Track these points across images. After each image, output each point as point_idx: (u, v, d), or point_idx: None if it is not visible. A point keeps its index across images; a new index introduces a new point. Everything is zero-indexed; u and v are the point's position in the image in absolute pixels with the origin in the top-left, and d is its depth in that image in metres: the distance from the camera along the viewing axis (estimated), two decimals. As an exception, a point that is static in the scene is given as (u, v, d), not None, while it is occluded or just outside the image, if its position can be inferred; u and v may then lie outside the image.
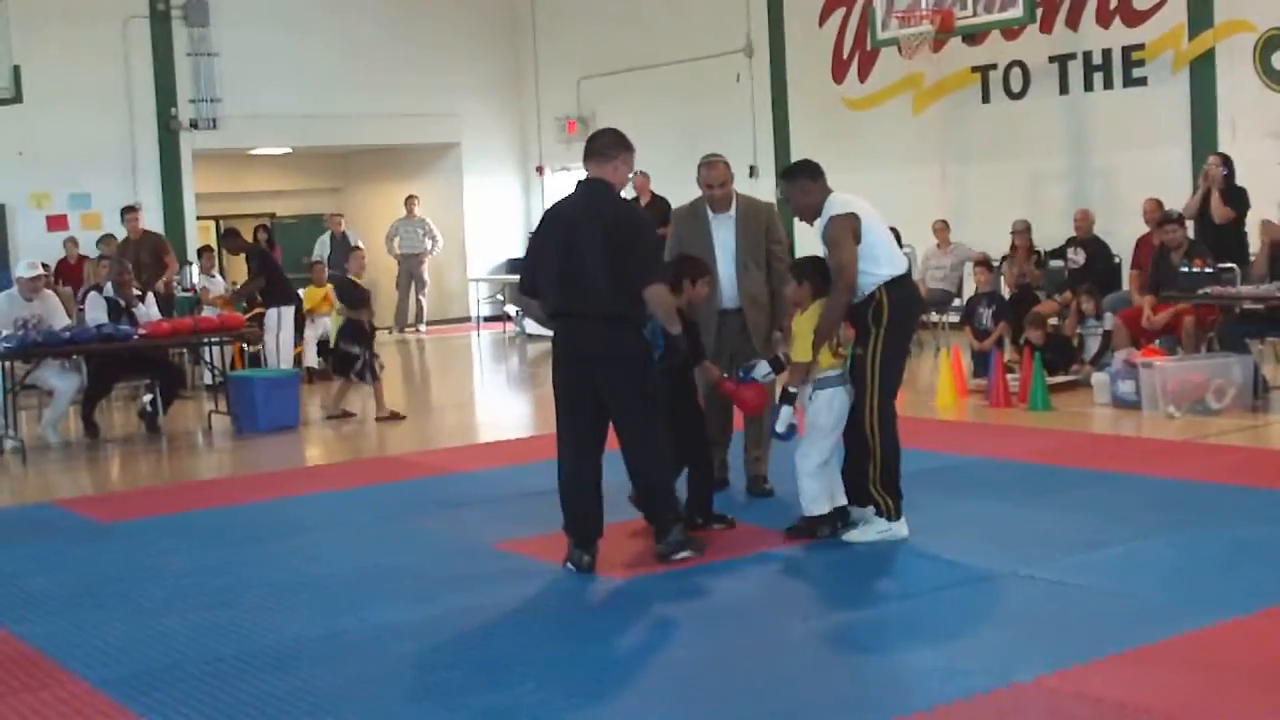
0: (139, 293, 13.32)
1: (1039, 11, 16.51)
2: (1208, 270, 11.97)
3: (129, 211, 17.77)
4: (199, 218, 23.99)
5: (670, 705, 5.36)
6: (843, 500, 7.65)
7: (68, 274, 18.75)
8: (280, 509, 9.48)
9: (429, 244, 23.07)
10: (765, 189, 19.51)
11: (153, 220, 20.71)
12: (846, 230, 7.34)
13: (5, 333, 12.27)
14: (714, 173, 8.69)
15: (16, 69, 17.23)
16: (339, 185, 26.49)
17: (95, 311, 12.94)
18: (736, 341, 8.63)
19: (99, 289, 13.75)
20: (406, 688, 5.69)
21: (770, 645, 6.06)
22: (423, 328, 23.01)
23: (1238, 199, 13.02)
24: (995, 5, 15.65)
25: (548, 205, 23.65)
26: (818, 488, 7.56)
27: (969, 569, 7.00)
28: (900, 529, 7.52)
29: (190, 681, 5.84)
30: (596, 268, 7.17)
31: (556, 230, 7.37)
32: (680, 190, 19.56)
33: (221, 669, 5.98)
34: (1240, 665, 5.41)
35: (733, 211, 8.68)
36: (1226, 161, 13.40)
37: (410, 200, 23.35)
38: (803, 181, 7.66)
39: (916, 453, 9.75)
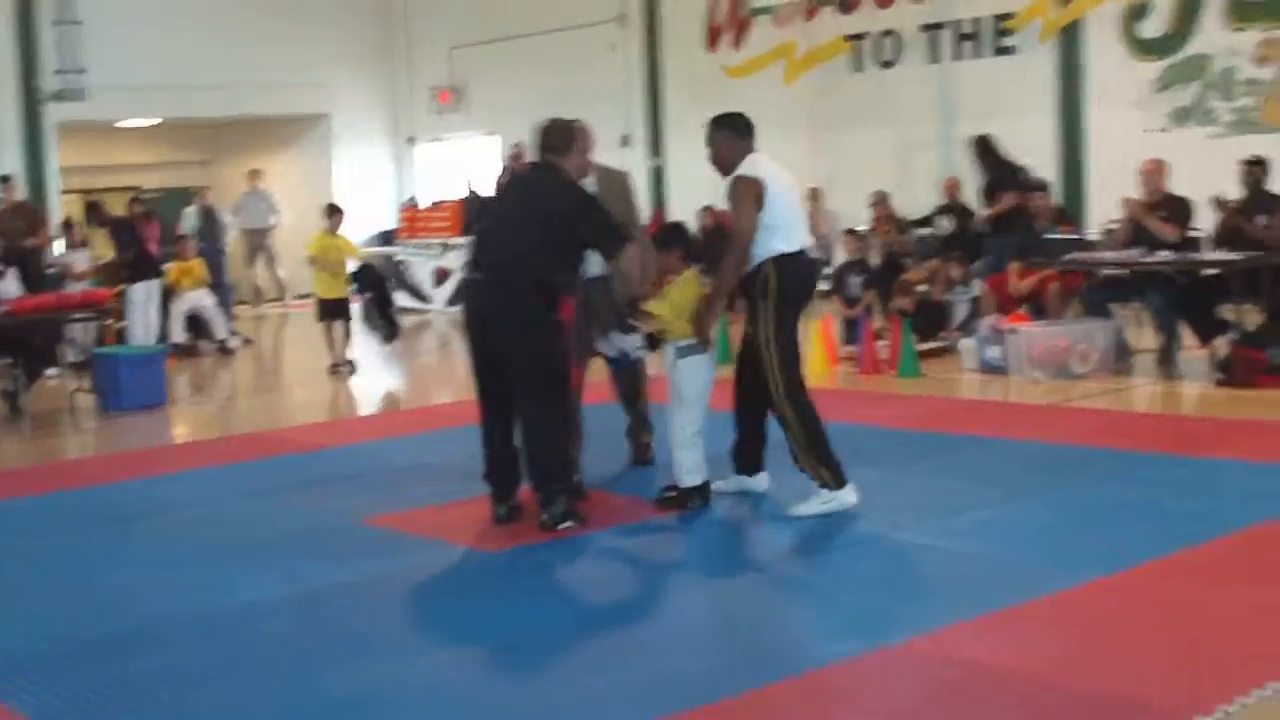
0: (1, 269, 12.97)
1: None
2: (1072, 237, 12.13)
3: (4, 180, 17.34)
4: (65, 191, 23.54)
5: (542, 676, 5.35)
6: (705, 475, 7.62)
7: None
8: (145, 488, 9.27)
9: (272, 218, 22.67)
10: (637, 158, 19.60)
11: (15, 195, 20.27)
12: (748, 193, 7.24)
13: None
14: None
15: None
16: (208, 158, 26.04)
17: (-48, 288, 12.61)
18: (603, 309, 8.43)
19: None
20: (272, 665, 5.59)
21: (640, 614, 6.09)
22: (290, 300, 22.71)
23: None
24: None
25: (418, 177, 23.68)
26: (691, 459, 7.55)
27: (839, 535, 7.06)
28: (846, 496, 7.34)
29: (53, 664, 5.72)
30: (525, 236, 7.34)
31: (499, 194, 7.55)
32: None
33: (85, 650, 5.87)
34: (1103, 624, 5.49)
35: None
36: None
37: (254, 173, 22.92)
38: (726, 133, 7.52)
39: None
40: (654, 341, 7.76)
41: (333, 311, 14.61)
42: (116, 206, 24.33)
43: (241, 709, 5.14)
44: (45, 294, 13.49)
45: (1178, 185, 11.82)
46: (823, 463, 7.35)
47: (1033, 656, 5.17)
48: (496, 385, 7.53)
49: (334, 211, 15.11)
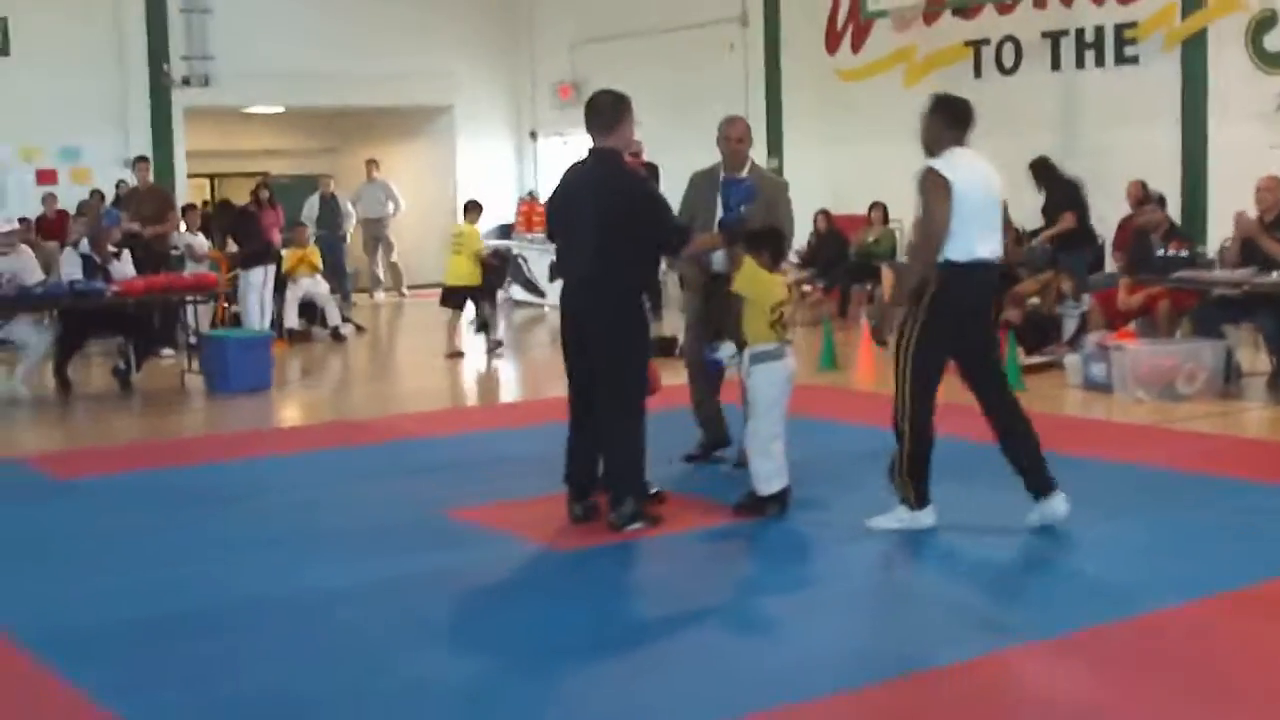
0: (115, 250, 13.24)
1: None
2: (1183, 254, 11.89)
3: (140, 161, 17.73)
4: (192, 175, 23.99)
5: (573, 680, 5.33)
6: (786, 480, 7.55)
7: (48, 229, 18.70)
8: (239, 471, 9.43)
9: (390, 207, 22.85)
10: (755, 158, 19.42)
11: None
12: (934, 187, 6.92)
13: (-22, 286, 12.26)
14: (734, 128, 8.81)
15: (4, 21, 17.13)
16: (333, 145, 26.35)
17: (70, 268, 12.88)
18: (724, 307, 8.31)
19: (77, 244, 13.71)
20: (336, 653, 5.66)
21: (700, 620, 6.04)
22: (406, 291, 22.91)
23: None
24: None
25: (541, 170, 23.77)
26: (769, 466, 7.50)
27: (920, 549, 6.98)
28: (923, 518, 7.15)
29: (117, 640, 5.85)
30: (591, 238, 7.39)
31: (565, 197, 7.62)
32: (671, 156, 19.62)
33: (153, 629, 5.99)
34: (1180, 652, 5.39)
35: (745, 176, 8.60)
36: None
37: (371, 163, 23.16)
38: (937, 117, 7.31)
39: (872, 430, 9.73)
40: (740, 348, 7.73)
41: (460, 298, 15.05)
42: (242, 191, 24.92)
43: (290, 693, 5.21)
44: (156, 276, 13.68)
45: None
46: (912, 483, 7.18)
47: (1080, 688, 5.06)
48: (584, 389, 7.60)
49: (472, 207, 15.61)
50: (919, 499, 7.18)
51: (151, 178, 17.77)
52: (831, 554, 7.07)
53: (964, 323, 7.16)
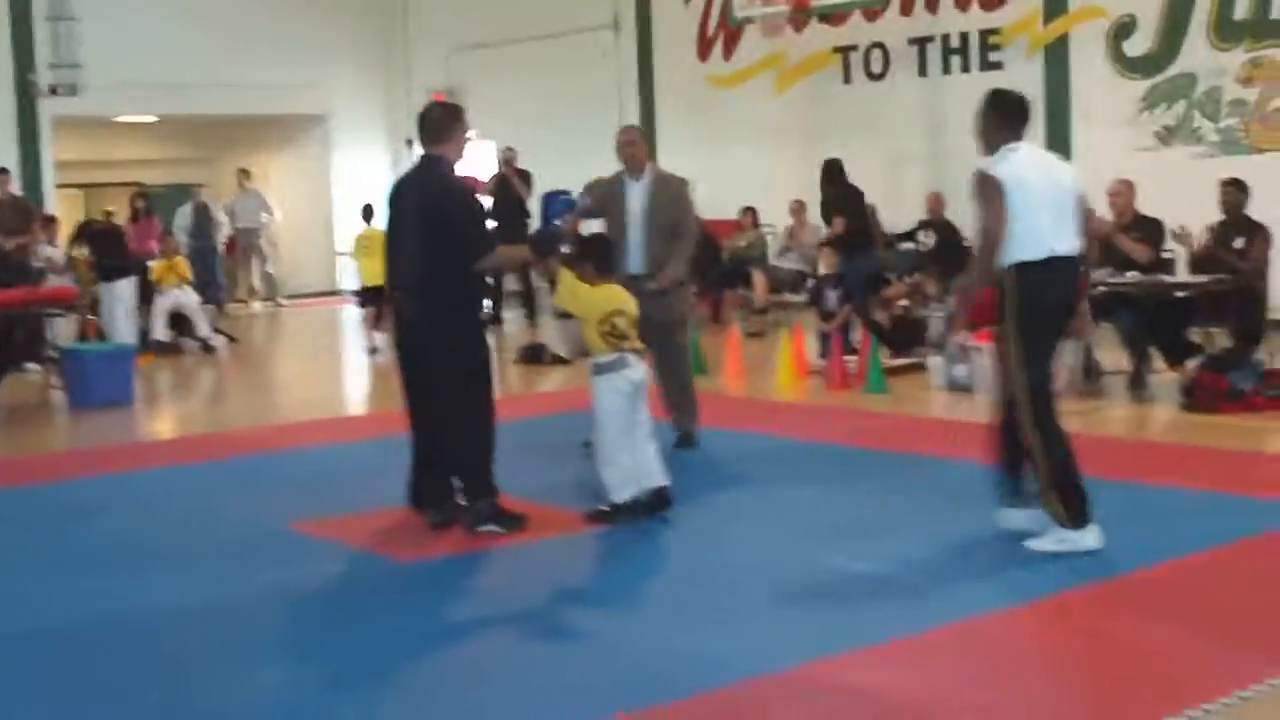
0: (-29, 263, 12.95)
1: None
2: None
3: (0, 172, 17.31)
4: (66, 185, 23.58)
5: (418, 696, 5.25)
6: (658, 482, 7.50)
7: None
8: (83, 488, 9.23)
9: (264, 216, 22.62)
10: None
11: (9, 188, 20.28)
12: (984, 190, 6.69)
13: None
14: (624, 134, 9.48)
15: None
16: (208, 155, 25.96)
17: (-82, 281, 12.59)
18: (647, 304, 8.40)
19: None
20: (157, 672, 5.56)
21: (531, 633, 5.99)
22: (282, 300, 22.67)
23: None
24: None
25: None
26: (615, 476, 7.45)
27: (747, 556, 6.96)
28: (1084, 539, 6.63)
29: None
30: (414, 244, 7.42)
31: (391, 206, 7.67)
32: (548, 161, 19.63)
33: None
34: (1002, 654, 5.40)
35: (646, 179, 9.20)
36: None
37: (243, 173, 22.95)
38: (990, 114, 7.11)
39: (740, 434, 9.85)
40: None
41: (375, 298, 15.20)
42: (117, 201, 24.52)
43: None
44: (13, 289, 13.38)
45: (1164, 205, 11.72)
46: (1062, 499, 6.65)
47: (920, 687, 5.07)
48: (422, 397, 7.60)
49: (369, 211, 16.00)
50: (1075, 518, 6.65)
51: (16, 189, 17.37)
52: (680, 560, 7.04)
53: (1056, 319, 6.89)
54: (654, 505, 7.49)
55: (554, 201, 8.48)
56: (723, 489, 8.47)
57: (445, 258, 7.36)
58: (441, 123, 7.59)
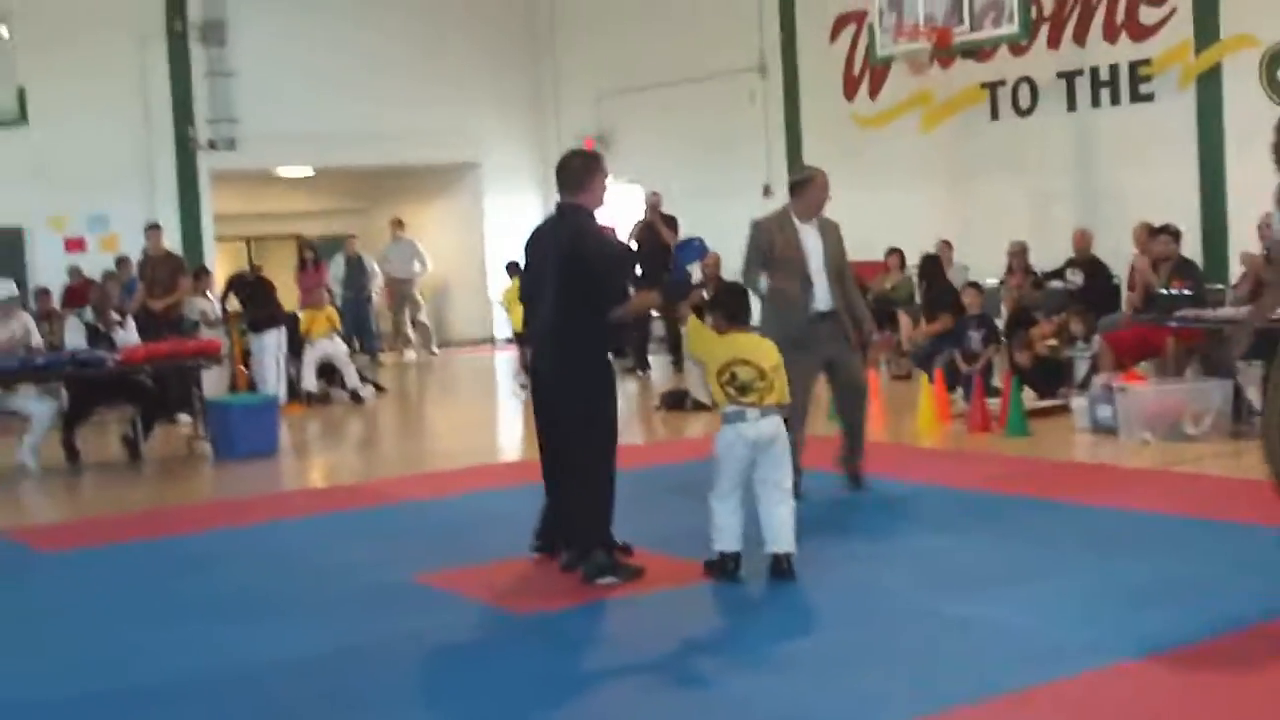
0: (119, 318, 13.27)
1: (1043, 27, 16.32)
2: (1186, 292, 11.66)
3: (152, 229, 17.76)
4: (226, 238, 24.14)
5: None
6: (776, 548, 7.27)
7: (74, 297, 18.76)
8: (219, 539, 9.36)
9: (417, 266, 22.82)
10: (778, 206, 19.26)
11: (170, 240, 20.74)
12: None
13: (-20, 358, 12.30)
14: (820, 176, 9.43)
15: (21, 90, 17.27)
16: (364, 206, 26.42)
17: (73, 336, 12.92)
18: (832, 344, 9.20)
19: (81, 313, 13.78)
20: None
21: (653, 684, 5.91)
22: (435, 349, 22.89)
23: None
24: (993, 21, 15.29)
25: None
26: (717, 528, 7.32)
27: (881, 604, 6.80)
28: None
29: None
30: (549, 295, 7.47)
31: (528, 255, 7.75)
32: (696, 203, 19.61)
33: (80, 708, 5.92)
34: (1108, 713, 5.18)
35: (815, 222, 9.30)
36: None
37: (396, 223, 23.18)
38: None
39: (876, 479, 9.66)
40: None
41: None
42: (279, 254, 25.08)
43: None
44: (159, 343, 13.69)
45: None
46: None
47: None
48: (552, 443, 7.65)
49: (513, 268, 16.34)
50: None
51: (166, 244, 17.79)
52: (793, 612, 6.89)
53: None
54: (773, 570, 7.28)
55: (686, 249, 8.37)
56: (850, 536, 8.34)
57: (579, 307, 7.38)
58: (580, 171, 7.59)
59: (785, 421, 7.29)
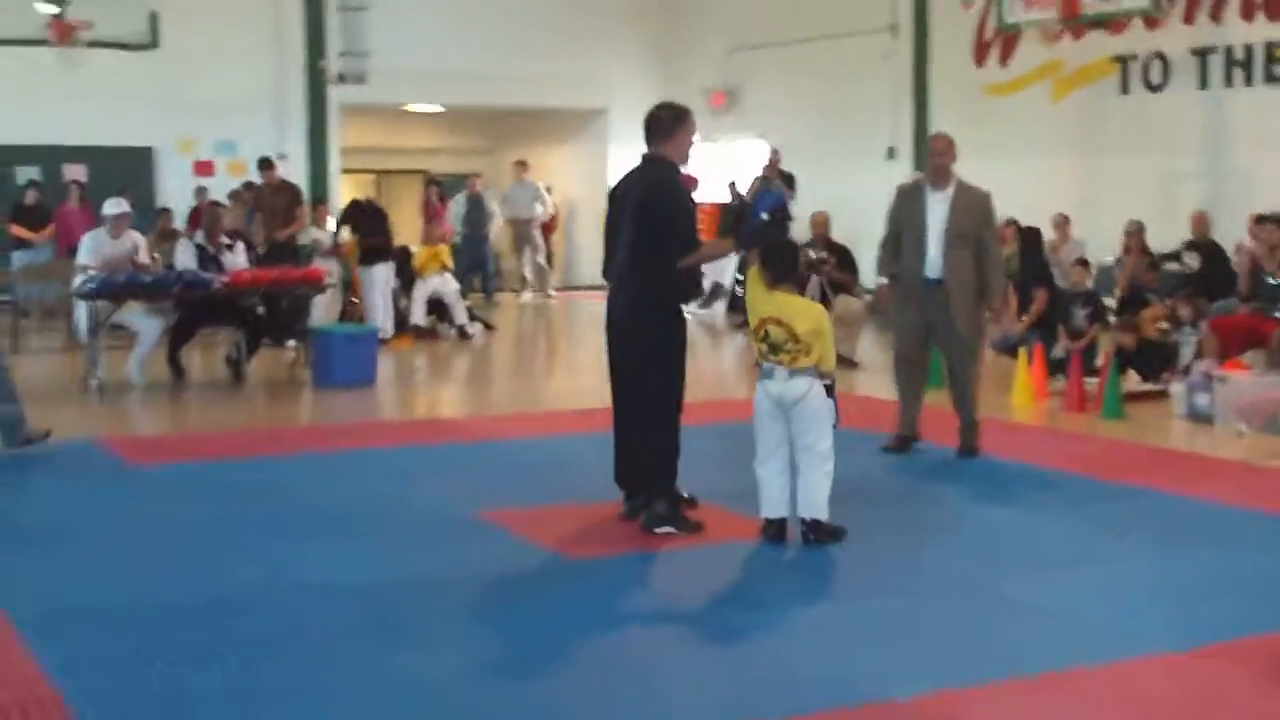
0: (228, 242, 13.47)
1: (1179, 2, 15.95)
2: (1292, 281, 11.40)
3: (265, 165, 17.99)
4: (354, 170, 24.41)
5: (557, 691, 5.26)
6: (770, 513, 7.29)
7: (198, 219, 19.05)
8: (300, 464, 9.53)
9: (538, 208, 22.86)
10: (900, 172, 19.05)
11: (298, 171, 21.10)
12: None
13: (92, 272, 12.55)
14: (935, 143, 9.70)
15: (154, 15, 17.52)
16: (492, 145, 26.58)
17: (184, 258, 13.13)
18: (937, 311, 9.41)
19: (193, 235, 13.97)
20: (323, 645, 5.71)
21: (685, 635, 5.95)
22: (552, 292, 22.97)
23: None
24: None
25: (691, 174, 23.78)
26: (761, 489, 7.33)
27: (932, 576, 6.75)
28: None
29: (101, 624, 5.94)
30: (624, 242, 7.56)
31: (610, 202, 7.81)
32: (818, 165, 19.48)
33: (139, 615, 6.07)
34: (1134, 703, 5.10)
35: (950, 190, 9.43)
36: None
37: (520, 164, 23.23)
38: None
39: (947, 454, 9.59)
40: None
41: None
42: (406, 188, 25.29)
43: (238, 689, 5.20)
44: (266, 269, 13.89)
45: None
46: None
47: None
48: (623, 387, 7.71)
49: None
50: None
51: (301, 174, 18.00)
52: (844, 575, 6.86)
53: None
54: (803, 537, 7.22)
55: (765, 197, 8.37)
56: (925, 507, 8.29)
57: (653, 253, 7.42)
58: (665, 123, 7.62)
59: (828, 389, 7.20)
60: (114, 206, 13.02)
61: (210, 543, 7.38)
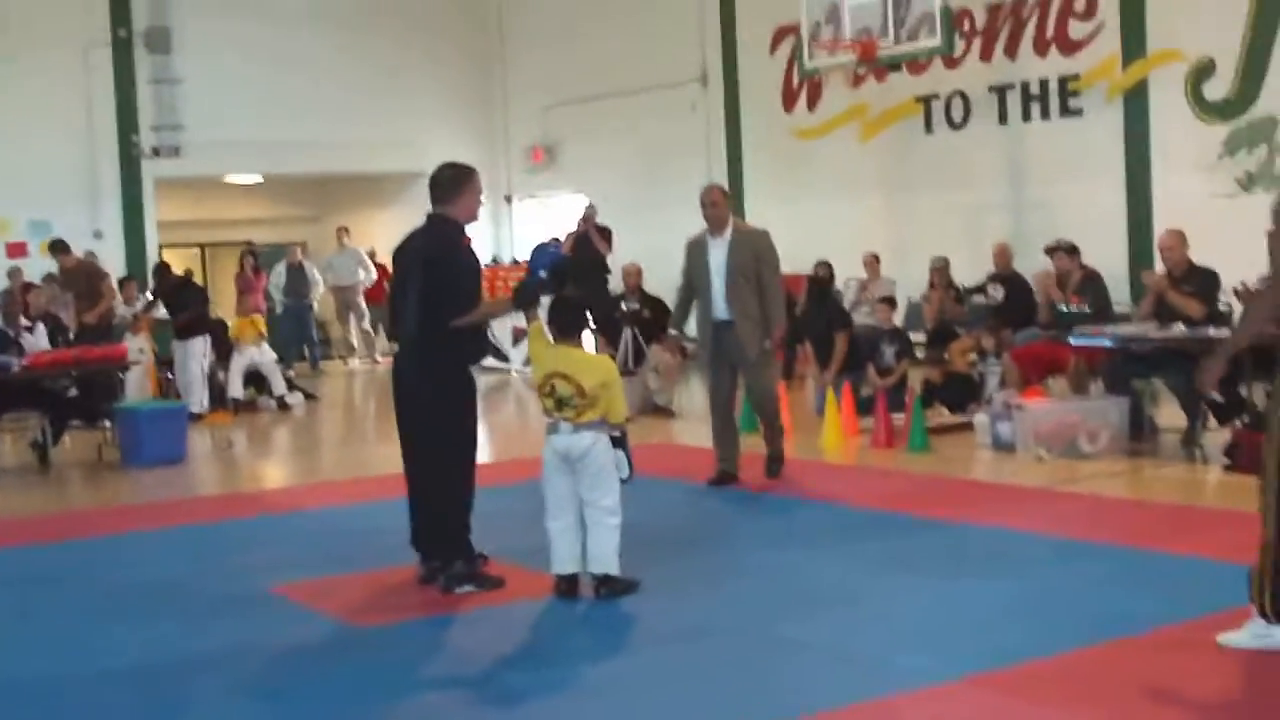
0: (28, 324, 13.19)
1: (975, 41, 16.31)
2: (1084, 310, 11.63)
3: (58, 248, 17.69)
4: (176, 245, 24.04)
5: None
6: (557, 569, 7.28)
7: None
8: (95, 548, 9.29)
9: (361, 274, 22.69)
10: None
11: (113, 248, 20.77)
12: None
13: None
14: (706, 194, 10.24)
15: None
16: (315, 213, 26.37)
17: (-24, 342, 12.84)
18: (733, 348, 10.03)
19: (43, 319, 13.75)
20: None
21: (464, 699, 5.89)
22: (379, 357, 22.77)
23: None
24: (917, 34, 15.22)
25: (516, 234, 23.78)
26: (552, 545, 7.30)
27: (716, 623, 6.73)
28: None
29: None
30: (409, 301, 7.49)
31: (395, 262, 7.78)
32: (640, 215, 19.59)
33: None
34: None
35: (727, 235, 10.05)
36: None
37: (341, 230, 23.12)
38: None
39: (757, 494, 9.64)
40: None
41: None
42: (230, 259, 25.00)
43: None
44: (64, 350, 13.62)
45: (1245, 252, 11.19)
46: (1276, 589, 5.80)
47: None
48: (410, 449, 7.67)
49: None
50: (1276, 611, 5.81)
51: (76, 256, 17.80)
52: (639, 625, 6.84)
53: None
54: (595, 591, 7.20)
55: (540, 253, 8.41)
56: (721, 553, 8.32)
57: (435, 312, 7.36)
58: (449, 183, 7.62)
59: (617, 440, 7.20)
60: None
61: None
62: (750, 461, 10.38)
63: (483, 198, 7.82)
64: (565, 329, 7.36)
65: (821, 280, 14.48)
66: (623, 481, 7.25)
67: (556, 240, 8.42)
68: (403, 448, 7.72)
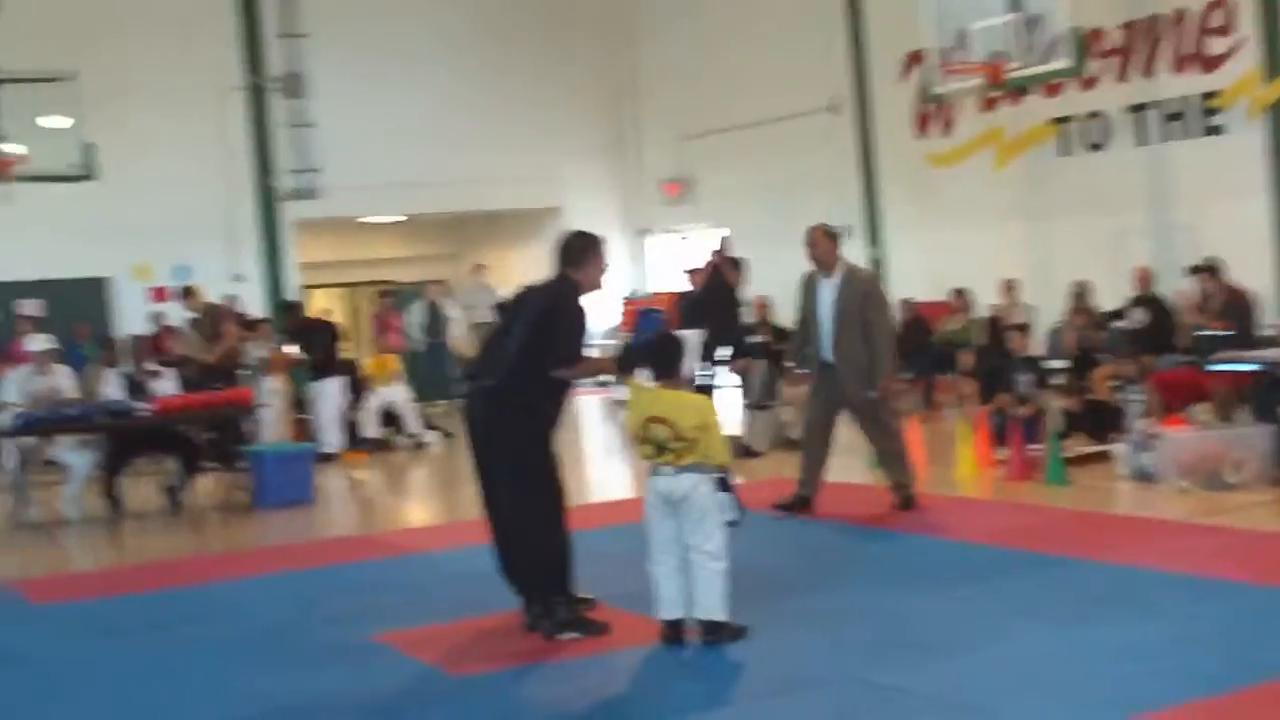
0: (155, 369, 13.30)
1: (1108, 61, 15.86)
2: (1226, 333, 11.15)
3: (187, 294, 17.92)
4: (319, 285, 24.28)
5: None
6: (664, 614, 7.04)
7: (157, 348, 18.93)
8: (214, 592, 9.29)
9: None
10: (857, 248, 18.81)
11: (254, 291, 20.98)
12: None
13: (19, 409, 12.39)
14: (807, 235, 10.27)
15: (89, 146, 17.47)
16: (454, 250, 26.50)
17: (108, 388, 12.97)
18: (832, 392, 10.13)
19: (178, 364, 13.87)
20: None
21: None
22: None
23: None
24: (1049, 56, 14.81)
25: (651, 270, 23.62)
26: (656, 590, 7.06)
27: (813, 671, 6.46)
28: None
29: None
30: (513, 343, 7.41)
31: (506, 307, 7.88)
32: (774, 245, 19.28)
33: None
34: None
35: (837, 277, 10.11)
36: None
37: (478, 268, 23.20)
38: None
39: (877, 531, 9.36)
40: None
41: None
42: (370, 299, 25.19)
43: None
44: (194, 394, 13.71)
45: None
46: None
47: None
48: (491, 495, 7.53)
49: None
50: None
51: (204, 300, 18.04)
52: (726, 680, 6.59)
53: None
54: (703, 638, 6.96)
55: (646, 319, 8.42)
56: (833, 595, 7.94)
57: (535, 362, 7.28)
58: (576, 251, 7.60)
59: (723, 482, 6.98)
60: (39, 343, 12.91)
61: (83, 685, 7.16)
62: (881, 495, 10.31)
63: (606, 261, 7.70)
64: (661, 370, 7.17)
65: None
66: (732, 524, 7.02)
67: (660, 312, 8.29)
68: (484, 490, 7.59)
